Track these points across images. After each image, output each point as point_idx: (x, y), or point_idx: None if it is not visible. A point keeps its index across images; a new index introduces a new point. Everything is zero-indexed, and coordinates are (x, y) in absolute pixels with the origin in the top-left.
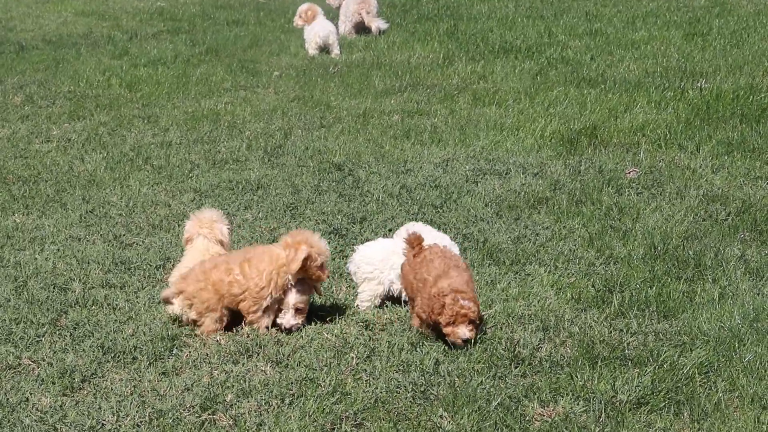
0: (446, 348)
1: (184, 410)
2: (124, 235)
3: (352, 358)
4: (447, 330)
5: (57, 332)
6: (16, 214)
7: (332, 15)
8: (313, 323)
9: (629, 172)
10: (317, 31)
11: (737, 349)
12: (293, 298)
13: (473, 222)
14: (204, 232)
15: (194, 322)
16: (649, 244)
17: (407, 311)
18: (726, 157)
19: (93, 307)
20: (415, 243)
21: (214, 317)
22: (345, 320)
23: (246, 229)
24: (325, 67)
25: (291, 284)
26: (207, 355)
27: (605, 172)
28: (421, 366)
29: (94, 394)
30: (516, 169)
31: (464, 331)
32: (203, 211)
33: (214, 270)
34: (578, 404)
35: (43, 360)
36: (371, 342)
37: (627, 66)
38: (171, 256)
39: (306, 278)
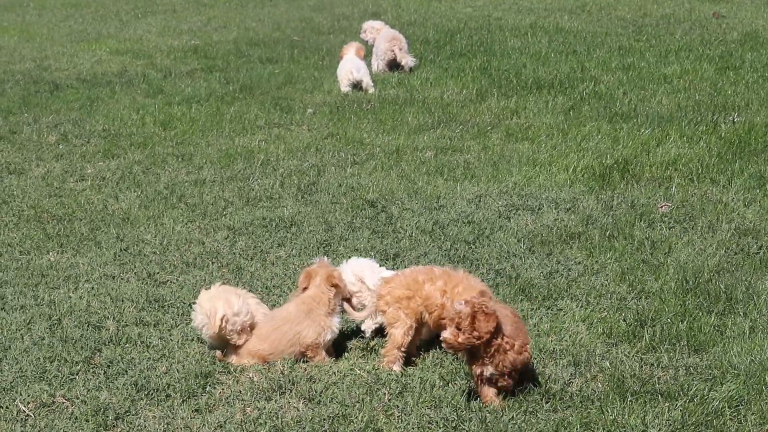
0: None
1: None
2: (158, 273)
3: (385, 394)
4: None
5: (91, 370)
6: (50, 253)
7: (367, 51)
8: (345, 359)
9: (661, 207)
10: (349, 68)
11: (767, 383)
12: None
13: (506, 257)
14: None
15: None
16: (680, 278)
17: (438, 347)
18: (758, 191)
19: (127, 344)
20: None
21: (407, 328)
22: (377, 356)
23: (279, 267)
24: (358, 103)
25: None
26: (240, 392)
27: (637, 206)
28: (452, 402)
29: None
30: (548, 204)
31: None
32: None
33: (429, 283)
34: None
35: (77, 398)
36: (403, 378)
37: (659, 100)
38: None
39: None
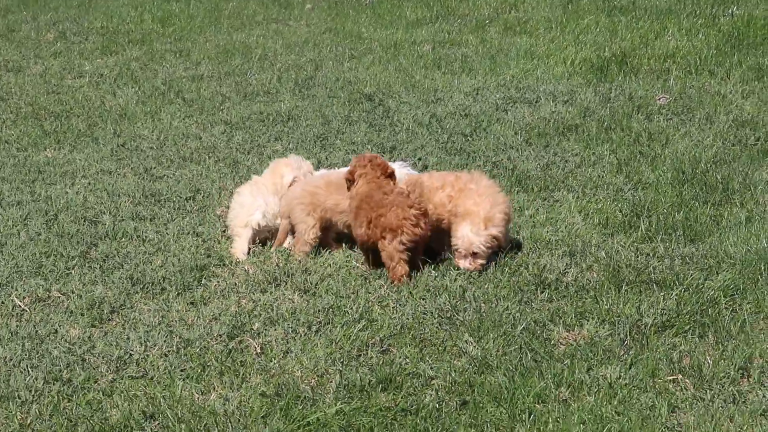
0: (472, 274)
1: (211, 339)
2: (154, 167)
3: (380, 285)
4: None
5: (87, 265)
6: (47, 149)
7: None
8: (341, 252)
9: (659, 99)
10: None
11: (763, 272)
12: None
13: (503, 150)
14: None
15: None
16: (677, 169)
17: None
18: (756, 83)
19: (123, 239)
20: None
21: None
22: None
23: None
24: None
25: None
26: (235, 284)
27: (635, 98)
28: (447, 292)
29: (123, 325)
30: (546, 97)
31: None
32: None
33: (440, 191)
34: (603, 328)
35: (73, 292)
36: None
37: None
38: (201, 187)
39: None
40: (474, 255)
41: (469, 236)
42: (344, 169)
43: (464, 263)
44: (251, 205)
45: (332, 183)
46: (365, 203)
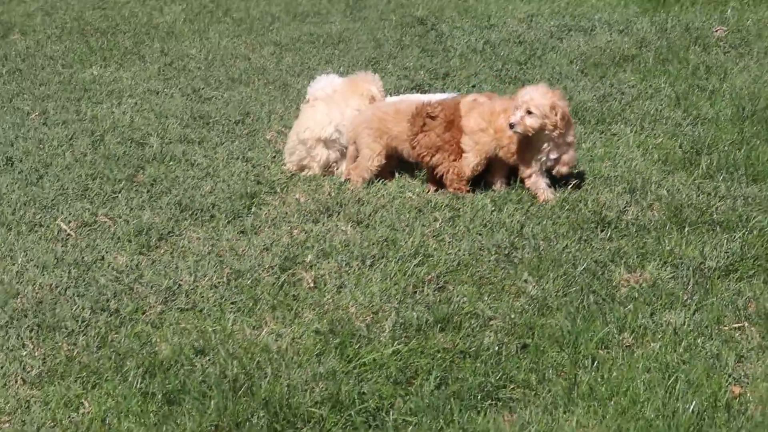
0: (530, 209)
1: (263, 271)
2: (202, 88)
3: (435, 218)
4: None
5: (134, 188)
6: (93, 67)
7: None
8: (395, 182)
9: (716, 30)
10: None
11: None
12: None
13: (558, 79)
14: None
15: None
16: (737, 105)
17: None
18: None
19: (171, 162)
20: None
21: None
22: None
23: None
24: None
25: None
26: (286, 213)
27: (692, 29)
28: (504, 228)
29: (171, 253)
30: (601, 25)
31: None
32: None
33: (503, 116)
34: (666, 270)
35: (120, 217)
36: (454, 202)
37: None
38: (251, 110)
39: None
40: (529, 113)
41: (533, 93)
42: (417, 96)
43: (516, 114)
44: (325, 116)
45: (401, 111)
46: None
